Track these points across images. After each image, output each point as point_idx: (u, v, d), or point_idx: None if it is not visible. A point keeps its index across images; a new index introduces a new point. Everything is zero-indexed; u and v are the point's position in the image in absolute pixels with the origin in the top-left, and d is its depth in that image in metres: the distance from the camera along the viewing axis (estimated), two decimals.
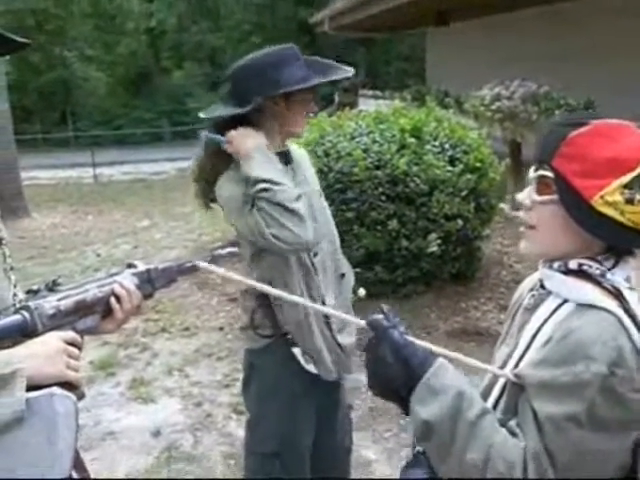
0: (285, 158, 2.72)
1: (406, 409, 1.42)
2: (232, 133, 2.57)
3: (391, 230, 5.79)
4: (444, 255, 6.20)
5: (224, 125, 2.62)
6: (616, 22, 9.26)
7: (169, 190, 16.05)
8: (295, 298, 1.98)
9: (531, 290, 1.63)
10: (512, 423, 1.40)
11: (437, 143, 6.22)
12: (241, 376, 5.26)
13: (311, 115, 2.75)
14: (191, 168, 2.83)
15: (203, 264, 1.77)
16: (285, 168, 2.65)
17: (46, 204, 14.53)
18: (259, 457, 2.85)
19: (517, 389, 1.45)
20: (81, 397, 1.55)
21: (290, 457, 2.80)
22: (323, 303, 2.71)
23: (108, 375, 5.48)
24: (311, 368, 2.77)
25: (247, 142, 2.54)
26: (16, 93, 23.14)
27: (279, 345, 2.76)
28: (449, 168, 6.06)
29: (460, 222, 6.04)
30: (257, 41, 29.12)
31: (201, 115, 2.70)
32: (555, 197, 1.44)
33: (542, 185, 1.47)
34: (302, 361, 2.76)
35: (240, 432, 4.49)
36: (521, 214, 1.53)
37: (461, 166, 6.13)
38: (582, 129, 1.42)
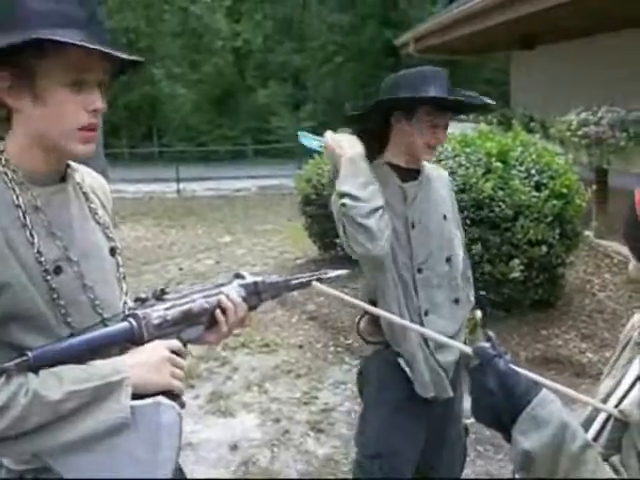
0: (413, 174, 2.80)
1: (509, 438, 1.40)
2: (327, 137, 2.65)
3: (474, 254, 5.75)
4: (526, 281, 6.13)
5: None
6: None
7: (250, 207, 16.24)
8: (402, 322, 2.08)
9: None
10: (615, 459, 1.38)
11: (523, 168, 6.16)
12: (319, 394, 5.33)
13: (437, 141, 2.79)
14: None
15: (319, 285, 1.77)
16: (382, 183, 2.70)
17: (131, 217, 14.86)
18: (362, 458, 2.93)
19: (621, 426, 1.42)
20: (182, 406, 1.59)
21: (390, 461, 2.84)
22: (421, 320, 2.74)
23: (188, 387, 5.55)
24: None
25: (343, 148, 2.61)
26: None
27: (386, 353, 2.82)
28: (535, 193, 6.01)
29: (544, 248, 5.97)
30: (340, 61, 29.37)
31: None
32: None
33: None
34: (407, 371, 2.79)
35: (318, 450, 4.51)
36: None
37: (547, 192, 6.07)
38: None
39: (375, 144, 2.80)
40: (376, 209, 2.53)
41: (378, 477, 2.86)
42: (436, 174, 2.95)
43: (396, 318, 2.11)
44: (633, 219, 1.45)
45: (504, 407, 1.38)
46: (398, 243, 2.73)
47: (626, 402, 1.44)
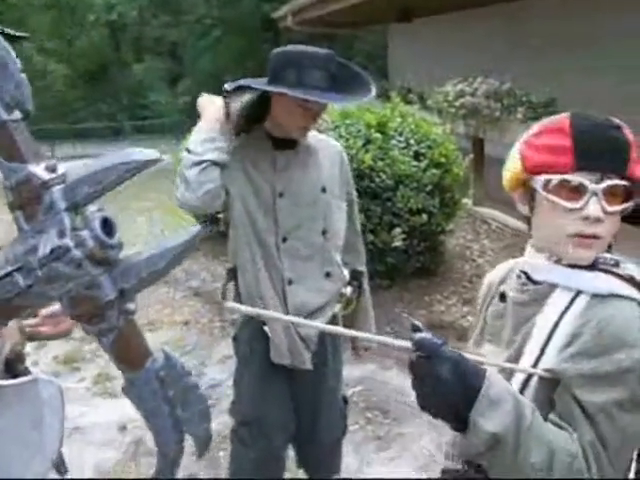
0: (290, 144, 2.80)
1: (460, 425, 1.37)
2: (200, 99, 2.82)
3: None
4: (408, 249, 6.24)
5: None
6: (576, 19, 9.36)
7: (129, 185, 15.32)
8: (279, 316, 2.13)
9: (501, 283, 1.67)
10: (552, 416, 1.43)
11: (402, 138, 6.25)
12: (207, 370, 5.30)
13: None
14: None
15: (232, 304, 1.67)
16: (265, 150, 2.78)
17: (2, 200, 14.29)
18: (235, 425, 3.02)
19: (548, 384, 1.46)
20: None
21: (258, 427, 2.90)
22: (283, 289, 2.80)
23: (73, 370, 5.43)
24: None
25: (204, 111, 2.76)
26: None
27: (255, 321, 2.83)
28: (414, 163, 6.11)
29: (425, 217, 6.09)
30: (218, 35, 29.01)
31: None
32: (628, 204, 1.48)
33: (611, 196, 1.46)
34: (271, 337, 2.82)
35: None
36: (583, 227, 1.48)
37: (426, 161, 6.18)
38: (627, 130, 1.47)
39: (254, 113, 2.77)
40: (200, 162, 2.63)
41: (248, 443, 2.92)
42: (322, 145, 2.94)
43: (281, 315, 2.13)
44: None
45: (459, 394, 1.35)
46: (261, 209, 2.76)
47: (552, 362, 1.46)
